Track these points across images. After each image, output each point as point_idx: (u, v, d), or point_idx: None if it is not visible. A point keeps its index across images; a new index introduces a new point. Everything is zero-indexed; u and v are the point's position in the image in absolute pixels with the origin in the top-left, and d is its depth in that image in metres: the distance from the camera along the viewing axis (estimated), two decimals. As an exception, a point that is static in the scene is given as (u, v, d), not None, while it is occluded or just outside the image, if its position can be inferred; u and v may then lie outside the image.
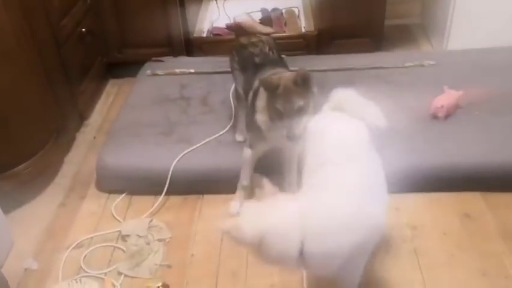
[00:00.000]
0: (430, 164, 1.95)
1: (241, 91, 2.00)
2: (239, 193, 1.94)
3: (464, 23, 2.67)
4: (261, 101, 1.75)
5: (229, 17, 3.03)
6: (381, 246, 1.69)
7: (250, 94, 1.84)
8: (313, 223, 1.23)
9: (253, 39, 1.99)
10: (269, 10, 3.10)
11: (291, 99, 1.60)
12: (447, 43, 2.76)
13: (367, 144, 1.44)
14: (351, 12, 2.68)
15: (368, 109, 1.50)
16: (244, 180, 1.90)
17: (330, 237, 1.23)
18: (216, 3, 3.18)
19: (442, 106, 2.12)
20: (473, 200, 1.92)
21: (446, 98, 2.16)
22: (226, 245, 1.80)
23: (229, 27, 2.94)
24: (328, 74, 2.49)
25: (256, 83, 1.80)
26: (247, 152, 1.86)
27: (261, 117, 1.75)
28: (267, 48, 1.94)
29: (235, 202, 1.93)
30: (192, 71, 2.62)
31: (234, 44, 2.08)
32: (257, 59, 1.91)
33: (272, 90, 1.63)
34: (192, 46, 2.82)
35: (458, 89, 2.21)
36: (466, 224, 1.82)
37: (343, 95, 1.56)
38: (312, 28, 2.82)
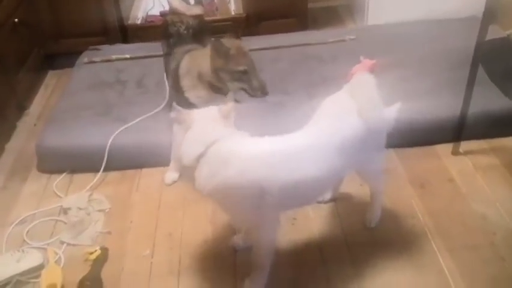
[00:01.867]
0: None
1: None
2: (173, 164, 2.07)
3: (380, 1, 2.89)
4: (188, 80, 1.86)
5: (163, 6, 3.14)
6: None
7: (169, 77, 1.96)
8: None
9: (174, 19, 2.13)
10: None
11: (249, 56, 1.78)
12: (367, 20, 2.97)
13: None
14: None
15: (362, 102, 1.53)
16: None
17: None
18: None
19: (358, 73, 2.31)
20: (387, 154, 2.11)
21: (362, 66, 2.36)
22: (163, 211, 1.94)
23: (163, 15, 3.05)
24: (257, 52, 2.64)
25: (174, 64, 1.92)
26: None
27: (194, 94, 1.86)
28: (183, 28, 2.08)
29: (169, 173, 2.06)
30: (128, 56, 2.73)
31: (162, 25, 2.23)
32: (171, 40, 2.06)
33: (225, 53, 1.75)
34: (127, 33, 2.93)
35: (373, 59, 2.42)
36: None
37: (357, 80, 1.63)
38: (241, 11, 2.99)
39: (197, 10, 2.34)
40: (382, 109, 1.53)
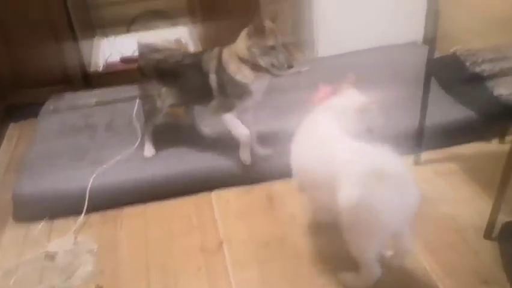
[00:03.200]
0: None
1: (172, 101, 2.26)
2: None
3: (327, 34, 3.12)
4: (232, 65, 2.06)
5: (121, 52, 3.22)
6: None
7: (212, 78, 2.10)
8: None
9: (166, 52, 2.25)
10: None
11: (277, 34, 1.98)
12: (317, 52, 3.19)
13: None
14: (232, 32, 2.97)
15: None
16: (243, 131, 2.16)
17: None
18: (108, 40, 3.36)
19: (319, 99, 2.47)
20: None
21: (322, 92, 2.51)
22: (152, 245, 1.96)
23: (124, 60, 3.13)
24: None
25: (213, 64, 2.10)
26: (242, 129, 2.14)
27: (242, 75, 2.06)
28: (179, 57, 2.22)
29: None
30: (94, 102, 2.77)
31: (144, 66, 2.27)
32: (183, 61, 2.19)
33: (261, 31, 1.97)
34: (90, 81, 2.97)
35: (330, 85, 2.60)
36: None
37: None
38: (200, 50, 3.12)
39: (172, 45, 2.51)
40: None
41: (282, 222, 2.02)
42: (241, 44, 2.06)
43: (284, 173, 2.21)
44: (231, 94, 2.11)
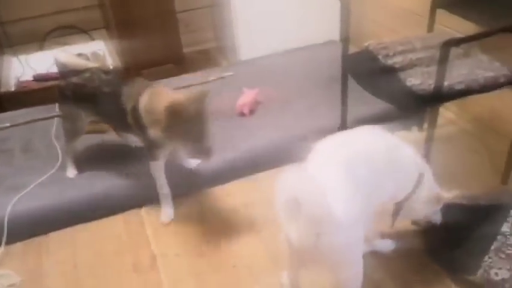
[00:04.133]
0: (250, 150, 2.30)
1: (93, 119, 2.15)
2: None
3: (248, 38, 3.13)
4: (147, 118, 1.85)
5: (34, 70, 3.06)
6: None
7: (129, 117, 1.91)
8: None
9: (87, 74, 2.07)
10: (75, 57, 3.21)
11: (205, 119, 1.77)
12: (240, 56, 3.19)
13: None
14: (149, 45, 2.97)
15: None
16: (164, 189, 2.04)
17: None
18: (18, 58, 3.18)
19: (244, 104, 2.49)
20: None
21: (246, 97, 2.54)
22: (82, 270, 1.87)
23: (37, 78, 2.98)
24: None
25: (129, 105, 1.89)
26: (155, 164, 1.98)
27: (155, 132, 1.83)
28: (102, 74, 2.07)
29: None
30: (8, 124, 2.60)
31: (64, 88, 2.11)
32: (103, 88, 2.01)
33: (181, 113, 1.71)
34: (1, 102, 2.80)
35: (254, 88, 2.62)
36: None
37: None
38: (119, 64, 3.03)
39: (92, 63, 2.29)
40: None
41: (217, 231, 1.99)
42: (158, 115, 1.79)
43: (215, 181, 2.21)
44: (145, 142, 1.97)
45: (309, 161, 1.38)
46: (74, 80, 2.08)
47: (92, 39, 3.33)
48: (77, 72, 2.10)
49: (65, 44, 3.26)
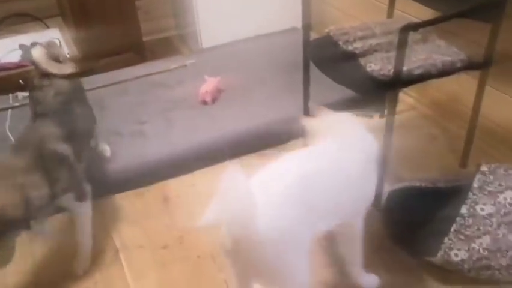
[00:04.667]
0: (210, 138, 2.27)
1: None
2: None
3: (209, 25, 3.09)
4: None
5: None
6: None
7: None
8: None
9: (43, 83, 1.82)
10: (29, 46, 3.08)
11: None
12: (202, 44, 3.14)
13: None
14: (107, 33, 2.87)
15: None
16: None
17: None
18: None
19: (206, 92, 2.46)
20: (253, 159, 2.24)
21: (208, 85, 2.51)
22: (40, 265, 1.81)
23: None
24: (102, 90, 2.65)
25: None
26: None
27: None
28: (51, 94, 1.78)
29: None
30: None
31: (30, 80, 1.90)
32: (38, 107, 1.75)
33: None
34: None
35: (216, 76, 2.58)
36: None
37: None
38: (76, 53, 2.93)
39: (68, 68, 1.93)
40: None
41: (181, 222, 1.96)
42: None
43: (179, 170, 2.18)
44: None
45: (260, 172, 1.32)
46: (35, 81, 1.85)
47: (47, 27, 3.20)
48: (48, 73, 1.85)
49: (19, 32, 3.13)
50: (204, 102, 2.47)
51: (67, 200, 1.64)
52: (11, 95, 2.63)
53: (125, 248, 1.86)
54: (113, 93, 2.65)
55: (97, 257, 1.83)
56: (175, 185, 2.15)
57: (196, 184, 2.15)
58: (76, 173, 1.68)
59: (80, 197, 1.70)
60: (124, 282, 1.73)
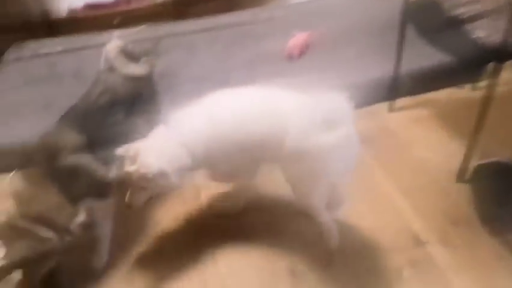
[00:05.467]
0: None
1: None
2: None
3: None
4: None
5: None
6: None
7: None
8: None
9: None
10: None
11: None
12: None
13: None
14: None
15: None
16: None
17: None
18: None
19: (294, 46, 2.45)
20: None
21: (296, 39, 2.49)
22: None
23: (89, 7, 2.98)
24: (191, 36, 2.71)
25: None
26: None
27: None
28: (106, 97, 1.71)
29: None
30: (59, 49, 2.64)
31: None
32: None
33: None
34: (53, 28, 2.84)
35: (305, 32, 2.56)
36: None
37: None
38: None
39: (140, 70, 1.83)
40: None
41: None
42: None
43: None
44: None
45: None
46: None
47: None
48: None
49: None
50: (291, 57, 2.47)
51: None
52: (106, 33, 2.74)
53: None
54: (202, 40, 2.69)
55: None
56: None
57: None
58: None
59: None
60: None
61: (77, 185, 1.53)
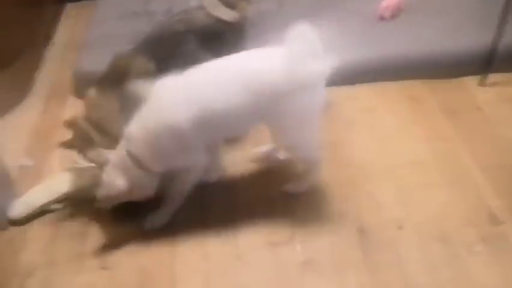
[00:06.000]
0: (379, 55, 2.22)
1: None
2: None
3: None
4: None
5: None
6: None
7: None
8: None
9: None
10: None
11: None
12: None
13: None
14: None
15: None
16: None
17: None
18: None
19: (387, 7, 2.38)
20: (418, 86, 2.20)
21: (390, 0, 2.41)
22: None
23: None
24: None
25: None
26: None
27: None
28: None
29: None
30: (154, -13, 2.71)
31: None
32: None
33: None
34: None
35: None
36: (412, 105, 2.12)
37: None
38: None
39: (228, 15, 1.90)
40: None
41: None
42: None
43: (341, 81, 2.16)
44: None
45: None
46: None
47: None
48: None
49: None
50: (382, 18, 2.40)
51: None
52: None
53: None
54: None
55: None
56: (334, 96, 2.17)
57: (358, 97, 2.16)
58: None
59: None
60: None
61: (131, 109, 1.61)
